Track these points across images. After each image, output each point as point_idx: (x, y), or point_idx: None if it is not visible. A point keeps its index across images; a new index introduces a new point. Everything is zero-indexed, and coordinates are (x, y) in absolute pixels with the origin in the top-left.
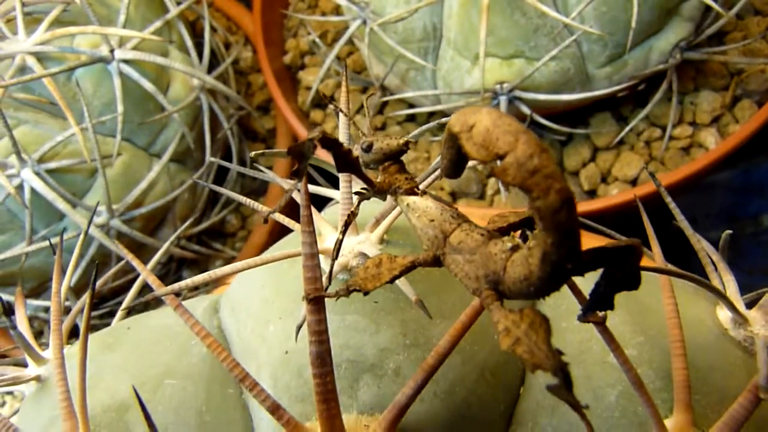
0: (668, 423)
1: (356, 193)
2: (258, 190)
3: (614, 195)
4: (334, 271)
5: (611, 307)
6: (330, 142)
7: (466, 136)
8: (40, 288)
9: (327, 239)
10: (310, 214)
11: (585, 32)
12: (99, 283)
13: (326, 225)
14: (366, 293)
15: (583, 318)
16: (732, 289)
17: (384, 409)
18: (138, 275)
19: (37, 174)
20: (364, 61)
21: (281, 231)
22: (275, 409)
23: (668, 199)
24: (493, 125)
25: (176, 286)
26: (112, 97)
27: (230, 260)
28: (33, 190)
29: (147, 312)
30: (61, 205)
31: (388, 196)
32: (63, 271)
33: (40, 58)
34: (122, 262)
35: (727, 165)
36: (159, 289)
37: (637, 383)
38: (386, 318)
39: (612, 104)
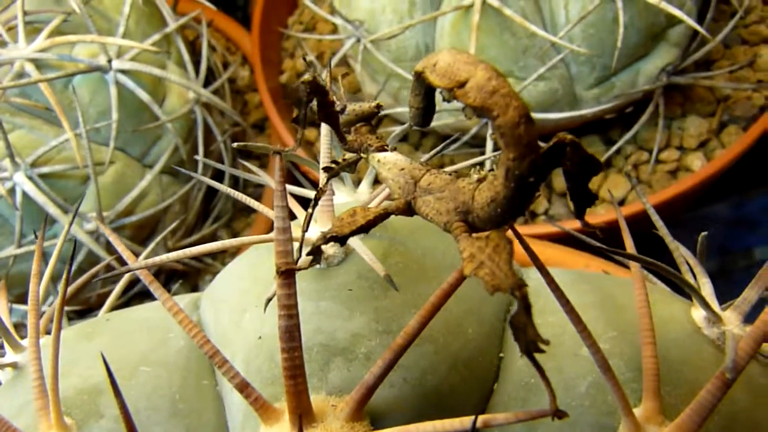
0: (637, 411)
1: (324, 168)
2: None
3: (601, 214)
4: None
5: (595, 197)
6: (318, 88)
7: (431, 70)
8: (27, 295)
9: None
10: (284, 190)
11: (573, 54)
12: (78, 284)
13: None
14: (343, 240)
15: (581, 216)
16: (707, 290)
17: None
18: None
19: (30, 178)
20: (358, 81)
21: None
22: (244, 387)
23: (648, 206)
24: (453, 59)
25: (150, 261)
26: (108, 106)
27: None
28: (25, 194)
29: (130, 307)
30: (52, 209)
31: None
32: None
33: (39, 65)
34: (111, 273)
35: (719, 198)
36: (133, 263)
37: (604, 366)
38: (360, 305)
39: (601, 127)
